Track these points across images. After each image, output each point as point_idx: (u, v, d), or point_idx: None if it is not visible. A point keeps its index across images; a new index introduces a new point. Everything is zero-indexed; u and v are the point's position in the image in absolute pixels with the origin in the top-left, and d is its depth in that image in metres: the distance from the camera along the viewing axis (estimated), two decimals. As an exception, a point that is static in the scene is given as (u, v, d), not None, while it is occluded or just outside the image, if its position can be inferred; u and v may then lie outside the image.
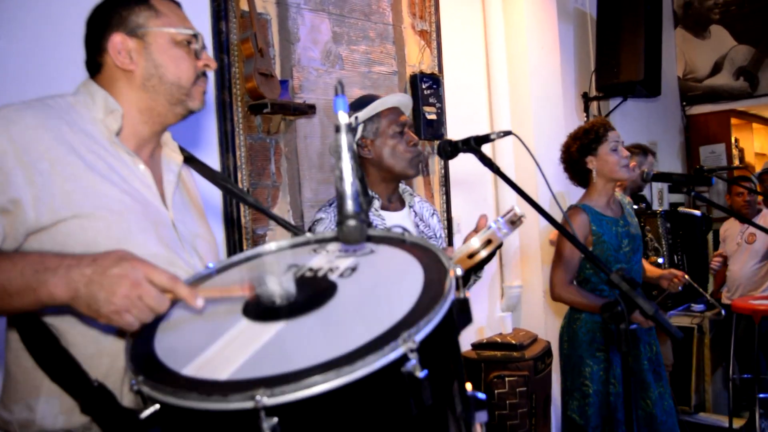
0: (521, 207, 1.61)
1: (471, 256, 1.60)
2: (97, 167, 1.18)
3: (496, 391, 3.32)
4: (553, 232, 3.34)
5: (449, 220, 3.53)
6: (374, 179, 2.01)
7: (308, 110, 2.80)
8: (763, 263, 4.41)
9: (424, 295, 0.92)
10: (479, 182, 3.85)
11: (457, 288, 0.95)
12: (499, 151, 3.89)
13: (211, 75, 2.69)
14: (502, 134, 1.59)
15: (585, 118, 4.63)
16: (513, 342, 3.45)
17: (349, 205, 0.97)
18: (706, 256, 4.48)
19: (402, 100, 2.05)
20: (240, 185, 2.71)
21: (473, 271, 1.88)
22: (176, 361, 0.88)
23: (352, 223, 0.97)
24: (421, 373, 0.78)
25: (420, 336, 0.81)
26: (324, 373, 0.75)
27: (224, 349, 0.89)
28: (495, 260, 3.92)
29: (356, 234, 0.97)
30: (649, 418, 2.39)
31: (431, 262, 1.02)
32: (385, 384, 0.79)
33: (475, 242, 1.59)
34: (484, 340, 3.51)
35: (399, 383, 0.79)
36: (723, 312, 2.65)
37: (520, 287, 3.87)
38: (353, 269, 1.06)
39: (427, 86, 3.37)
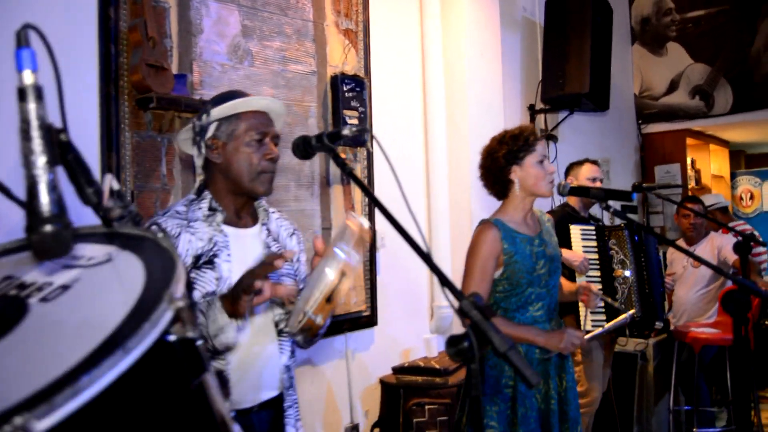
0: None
1: (330, 299, 1.37)
2: None
3: (414, 420, 3.07)
4: None
5: (372, 234, 3.28)
6: (221, 189, 1.74)
7: (202, 107, 2.54)
8: (709, 288, 4.22)
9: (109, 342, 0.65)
10: (409, 191, 3.60)
11: (178, 322, 0.69)
12: (432, 161, 3.66)
13: (94, 66, 2.43)
14: (356, 130, 1.35)
15: (530, 132, 4.44)
16: (437, 367, 3.21)
17: (44, 205, 0.72)
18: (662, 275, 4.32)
19: (272, 105, 1.78)
20: (123, 187, 2.45)
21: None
22: None
23: (46, 229, 0.71)
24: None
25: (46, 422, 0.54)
26: None
27: None
28: (425, 276, 3.68)
29: (51, 243, 0.71)
30: None
31: (160, 280, 0.75)
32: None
33: (330, 277, 1.35)
34: (406, 364, 3.27)
35: None
36: (629, 316, 2.48)
37: (452, 308, 3.62)
38: (65, 287, 0.79)
39: (349, 88, 3.13)
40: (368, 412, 3.28)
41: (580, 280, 3.08)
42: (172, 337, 0.68)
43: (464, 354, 1.08)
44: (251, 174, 1.69)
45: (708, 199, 5.02)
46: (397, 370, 3.24)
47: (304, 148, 1.43)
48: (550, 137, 4.52)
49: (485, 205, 3.72)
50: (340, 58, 3.19)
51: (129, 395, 0.62)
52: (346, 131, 1.36)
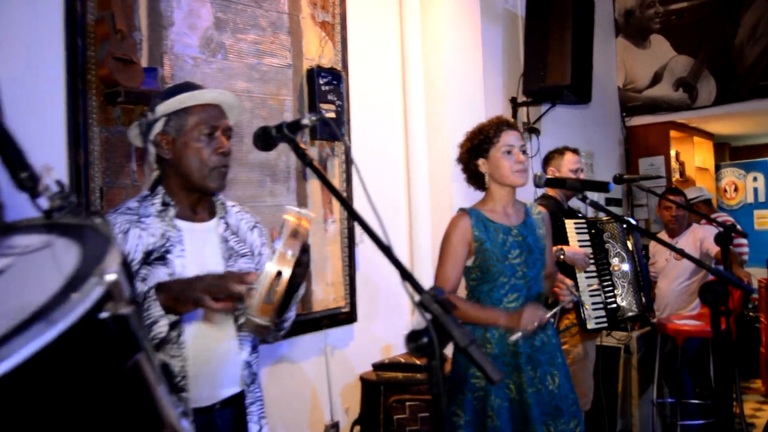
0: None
1: (270, 299, 1.33)
2: None
3: (395, 417, 3.03)
4: None
5: (350, 229, 3.24)
6: (173, 184, 1.69)
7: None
8: (692, 280, 4.21)
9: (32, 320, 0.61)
10: (388, 187, 3.57)
11: (111, 300, 0.65)
12: (412, 154, 3.62)
13: (61, 59, 2.37)
14: (314, 118, 1.31)
15: (513, 125, 4.40)
16: (417, 363, 3.16)
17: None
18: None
19: (222, 98, 1.72)
20: (91, 184, 2.39)
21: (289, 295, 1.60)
22: None
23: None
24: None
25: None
26: None
27: None
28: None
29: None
30: None
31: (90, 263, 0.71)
32: None
33: (265, 278, 1.32)
34: (386, 361, 3.23)
35: None
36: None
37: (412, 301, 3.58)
38: None
39: (325, 82, 3.08)
40: (348, 410, 3.25)
41: (580, 276, 3.04)
42: (104, 315, 0.64)
43: (424, 350, 1.04)
44: (202, 170, 1.65)
45: (691, 192, 5.02)
46: (378, 367, 3.20)
47: (264, 138, 1.38)
48: (533, 130, 4.49)
49: (466, 198, 3.68)
50: (317, 51, 3.14)
51: (56, 370, 0.60)
52: (305, 121, 1.32)
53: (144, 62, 2.54)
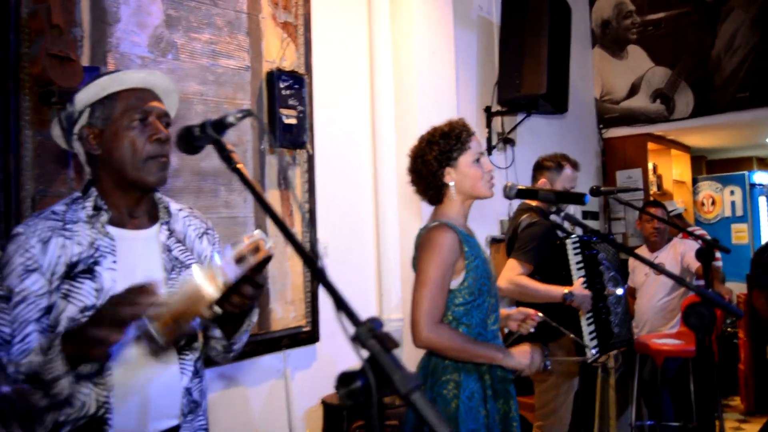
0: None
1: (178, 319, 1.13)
2: None
3: (359, 445, 2.83)
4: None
5: (312, 242, 3.04)
6: (107, 184, 1.48)
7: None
8: (672, 296, 4.07)
9: None
10: (354, 197, 3.38)
11: None
12: (380, 163, 3.44)
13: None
14: (240, 115, 1.13)
15: (487, 134, 4.25)
16: (384, 385, 2.97)
17: None
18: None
19: (152, 79, 1.51)
20: (22, 192, 2.17)
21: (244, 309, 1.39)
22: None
23: None
24: None
25: None
26: None
27: None
28: (372, 288, 3.44)
29: None
30: None
31: None
32: None
33: (183, 293, 1.13)
34: (351, 383, 3.02)
35: None
36: (594, 352, 2.23)
37: (401, 321, 3.40)
38: None
39: (286, 86, 2.89)
40: (310, 436, 3.04)
41: (582, 319, 2.71)
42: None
43: (357, 396, 0.85)
44: (136, 161, 1.43)
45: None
46: (341, 390, 3.00)
47: (187, 139, 1.19)
48: (508, 140, 4.34)
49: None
50: (278, 53, 2.95)
51: None
52: (230, 118, 1.13)
53: (85, 61, 2.34)
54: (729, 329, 5.73)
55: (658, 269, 1.78)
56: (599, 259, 2.81)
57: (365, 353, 0.87)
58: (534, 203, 3.06)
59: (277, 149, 2.90)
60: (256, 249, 1.16)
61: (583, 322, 2.69)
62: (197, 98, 2.64)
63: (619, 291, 2.88)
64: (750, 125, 5.74)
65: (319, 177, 3.11)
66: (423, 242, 1.97)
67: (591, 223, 5.63)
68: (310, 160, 3.05)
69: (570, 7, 4.33)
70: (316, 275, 0.97)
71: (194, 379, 1.55)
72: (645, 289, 4.17)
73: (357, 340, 0.88)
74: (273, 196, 2.89)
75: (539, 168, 3.13)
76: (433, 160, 1.99)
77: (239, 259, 1.13)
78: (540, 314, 2.03)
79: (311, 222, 3.04)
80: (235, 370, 2.76)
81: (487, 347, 1.92)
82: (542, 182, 3.11)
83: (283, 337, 2.90)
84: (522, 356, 1.91)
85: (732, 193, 6.93)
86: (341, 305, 0.94)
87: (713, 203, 7.04)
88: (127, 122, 1.44)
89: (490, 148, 4.23)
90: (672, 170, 6.39)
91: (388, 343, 0.87)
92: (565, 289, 2.62)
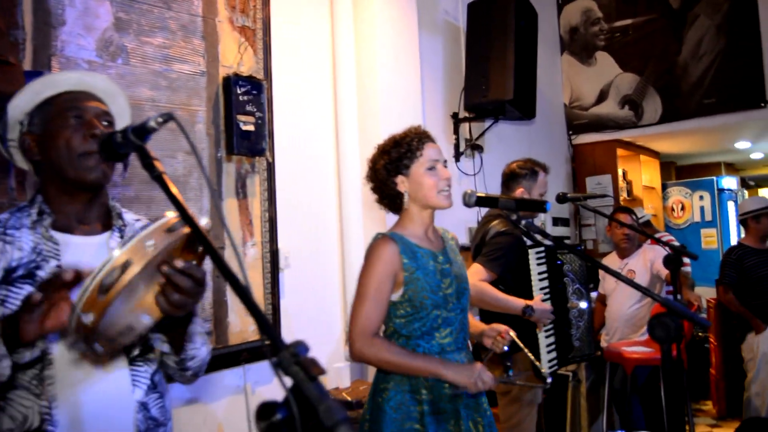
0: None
1: (106, 289, 1.03)
2: None
3: (321, 462, 2.73)
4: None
5: (274, 252, 2.94)
6: (51, 190, 1.42)
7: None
8: (642, 303, 4.04)
9: None
10: (318, 205, 3.29)
11: None
12: (344, 170, 3.35)
13: None
14: (161, 120, 1.04)
15: (455, 141, 4.20)
16: (348, 399, 2.90)
17: None
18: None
19: (89, 80, 1.45)
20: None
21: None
22: None
23: None
24: None
25: None
26: None
27: None
28: (337, 299, 3.35)
29: None
30: None
31: None
32: None
33: (109, 262, 1.03)
34: (314, 398, 2.93)
35: None
36: (549, 381, 2.15)
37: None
38: None
39: (243, 91, 2.80)
40: (271, 454, 2.93)
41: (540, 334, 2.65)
42: None
43: (279, 429, 0.77)
44: (71, 158, 1.37)
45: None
46: (304, 405, 2.91)
47: (110, 147, 1.10)
48: (476, 147, 4.29)
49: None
50: (235, 58, 2.86)
51: None
52: (152, 123, 1.04)
53: (27, 65, 2.22)
54: (700, 334, 5.73)
55: (624, 280, 1.72)
56: (564, 271, 2.75)
57: (289, 381, 0.78)
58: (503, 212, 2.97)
59: (234, 156, 2.81)
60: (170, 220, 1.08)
61: (541, 336, 2.63)
62: (149, 104, 2.53)
63: (583, 305, 2.81)
64: (717, 131, 5.77)
65: (280, 184, 3.02)
66: (365, 255, 1.94)
67: (561, 230, 5.60)
68: (270, 167, 2.96)
69: (536, 12, 4.30)
70: (239, 293, 0.88)
71: (151, 393, 1.45)
72: (615, 297, 4.14)
73: (279, 366, 0.79)
74: (231, 205, 2.79)
75: (514, 177, 2.99)
76: (382, 169, 1.96)
77: (170, 228, 1.05)
78: (511, 332, 1.97)
79: (272, 231, 2.94)
80: (195, 386, 2.64)
81: (424, 360, 1.86)
82: (520, 191, 2.98)
83: (243, 351, 2.79)
84: (465, 372, 1.84)
85: (701, 198, 6.97)
86: (263, 328, 0.85)
87: (683, 208, 7.07)
88: (62, 121, 1.39)
89: (458, 155, 4.18)
90: (642, 176, 6.40)
91: (312, 369, 0.78)
92: (525, 303, 2.55)
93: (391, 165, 1.93)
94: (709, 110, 5.21)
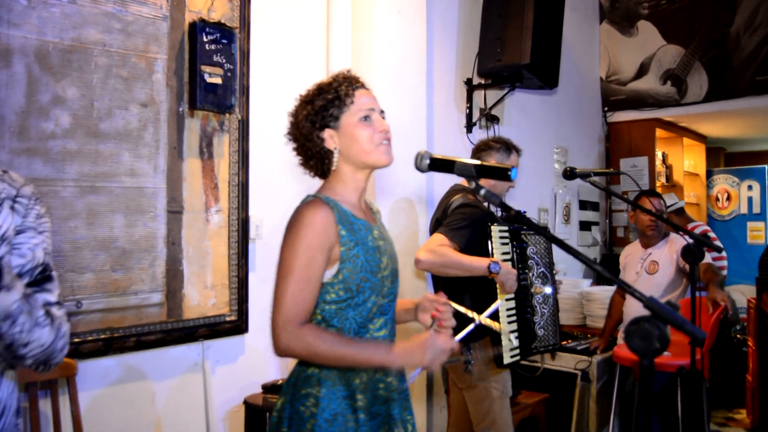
0: None
1: None
2: None
3: (280, 453, 2.47)
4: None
5: (244, 220, 2.67)
6: None
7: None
8: (668, 297, 3.61)
9: None
10: (295, 170, 2.98)
11: None
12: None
13: None
14: None
15: (467, 110, 3.83)
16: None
17: None
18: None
19: None
20: None
21: None
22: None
23: None
24: None
25: None
26: None
27: None
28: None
29: None
30: None
31: None
32: None
33: None
34: (280, 381, 2.66)
35: None
36: (516, 341, 1.88)
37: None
38: None
39: (210, 40, 2.51)
40: (231, 440, 2.69)
41: (500, 301, 2.37)
42: None
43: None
44: None
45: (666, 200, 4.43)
46: (268, 389, 2.65)
47: None
48: (491, 117, 3.91)
49: (387, 185, 3.11)
50: (205, 4, 2.57)
51: None
52: None
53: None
54: (738, 336, 5.25)
55: (625, 289, 1.37)
56: (528, 254, 2.42)
57: None
58: (465, 184, 2.70)
59: (199, 112, 2.53)
60: None
61: (503, 321, 2.36)
62: (98, 49, 2.27)
63: (548, 290, 2.53)
64: (771, 112, 5.23)
65: (254, 146, 2.73)
66: (289, 222, 1.55)
67: (590, 214, 5.18)
68: (243, 126, 2.67)
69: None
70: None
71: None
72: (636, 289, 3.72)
73: None
74: (193, 166, 2.52)
75: (486, 149, 2.72)
76: (305, 121, 1.58)
77: None
78: (447, 299, 1.61)
79: (242, 197, 2.66)
80: (139, 361, 2.40)
81: (373, 348, 1.51)
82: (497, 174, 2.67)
83: (201, 326, 2.54)
84: (417, 350, 1.49)
85: (750, 188, 6.39)
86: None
87: (728, 198, 6.50)
88: None
89: (470, 125, 3.81)
90: (683, 161, 5.89)
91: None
92: (490, 260, 2.32)
93: (315, 116, 1.56)
94: (763, 89, 4.67)
